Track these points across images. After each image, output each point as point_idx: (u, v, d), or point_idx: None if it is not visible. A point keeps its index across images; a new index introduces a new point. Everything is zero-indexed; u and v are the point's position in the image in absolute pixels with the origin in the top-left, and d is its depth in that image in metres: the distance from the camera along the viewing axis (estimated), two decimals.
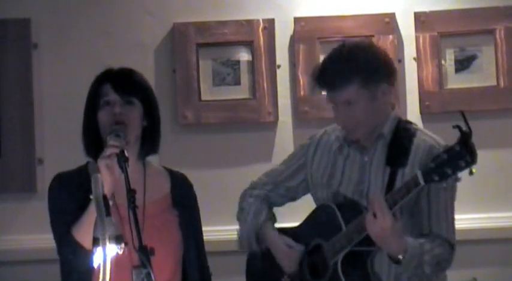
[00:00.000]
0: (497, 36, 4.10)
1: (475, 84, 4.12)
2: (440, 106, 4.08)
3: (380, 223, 2.64)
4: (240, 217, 3.17)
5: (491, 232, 3.98)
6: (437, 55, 4.10)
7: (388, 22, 4.10)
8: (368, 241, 2.74)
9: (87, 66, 3.95)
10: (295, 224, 3.14)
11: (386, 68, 2.90)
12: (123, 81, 2.85)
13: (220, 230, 3.91)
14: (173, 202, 2.90)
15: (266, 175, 3.20)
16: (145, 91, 2.89)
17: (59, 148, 4.01)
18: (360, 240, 2.77)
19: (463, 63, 4.15)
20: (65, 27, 4.12)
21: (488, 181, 3.91)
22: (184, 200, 2.93)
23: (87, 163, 2.83)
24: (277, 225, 3.19)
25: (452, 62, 4.15)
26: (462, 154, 2.54)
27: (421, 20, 4.11)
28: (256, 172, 4.01)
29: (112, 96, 2.81)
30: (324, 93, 2.96)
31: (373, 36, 4.08)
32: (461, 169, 2.56)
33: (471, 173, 2.55)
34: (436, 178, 2.59)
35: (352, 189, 2.92)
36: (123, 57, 4.00)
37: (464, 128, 2.54)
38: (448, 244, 2.84)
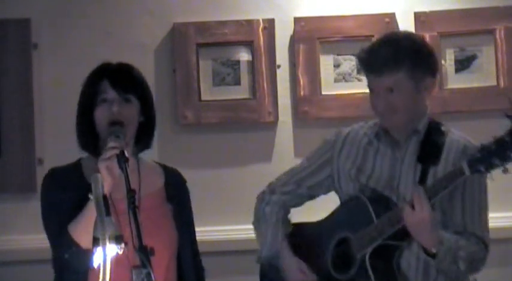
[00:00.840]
0: (497, 36, 4.11)
1: (475, 84, 4.12)
2: (440, 106, 4.07)
3: (418, 214, 2.62)
4: (257, 230, 3.11)
5: (491, 232, 3.96)
6: (437, 55, 4.09)
7: (388, 22, 4.10)
8: (400, 235, 2.72)
9: (87, 67, 3.92)
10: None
11: (434, 62, 2.87)
12: (121, 78, 2.83)
13: (219, 230, 3.91)
14: (167, 196, 2.90)
15: (286, 173, 3.13)
16: (142, 87, 2.88)
17: (59, 148, 4.00)
18: (391, 233, 2.74)
19: (463, 63, 4.15)
20: (65, 27, 4.11)
21: (488, 181, 3.90)
22: (178, 194, 2.93)
23: (80, 158, 2.83)
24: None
25: (452, 62, 4.15)
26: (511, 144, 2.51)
27: (421, 20, 4.11)
28: (256, 172, 4.03)
29: (110, 93, 2.79)
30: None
31: (373, 36, 4.07)
32: (510, 159, 2.53)
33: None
34: (482, 168, 2.57)
35: (382, 184, 2.88)
36: (123, 57, 3.95)
37: None
38: (483, 243, 2.82)
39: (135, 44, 4.10)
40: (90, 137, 2.80)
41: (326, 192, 3.09)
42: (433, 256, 2.69)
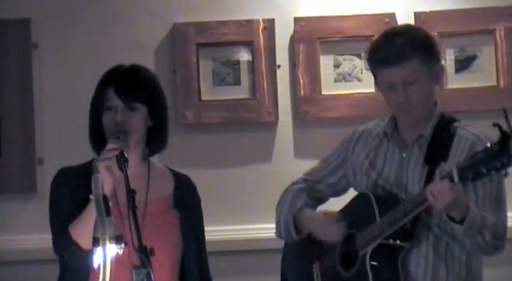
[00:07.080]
0: (497, 36, 4.11)
1: (475, 84, 4.12)
2: (440, 106, 4.07)
3: (457, 187, 2.57)
4: (278, 207, 3.10)
5: None
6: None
7: (388, 22, 4.10)
8: (403, 235, 2.73)
9: (87, 66, 3.96)
10: None
11: (438, 48, 2.92)
12: (127, 86, 2.81)
13: (220, 230, 3.91)
14: (175, 203, 2.89)
15: (305, 173, 3.15)
16: (149, 93, 2.85)
17: (59, 148, 4.01)
18: (393, 233, 2.75)
19: (463, 63, 4.15)
20: (65, 27, 4.12)
21: None
22: (186, 201, 2.92)
23: (92, 159, 2.83)
24: None
25: (452, 62, 4.15)
26: (499, 154, 2.48)
27: (421, 20, 4.11)
28: (256, 172, 4.04)
29: (114, 101, 2.78)
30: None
31: (373, 36, 4.07)
32: (496, 169, 2.50)
33: (506, 174, 2.50)
34: (470, 176, 2.55)
35: (391, 183, 2.89)
36: (123, 57, 3.96)
37: (504, 127, 2.48)
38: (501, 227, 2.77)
39: (135, 44, 4.10)
40: (100, 142, 2.80)
41: (344, 191, 3.10)
42: (460, 222, 2.65)
